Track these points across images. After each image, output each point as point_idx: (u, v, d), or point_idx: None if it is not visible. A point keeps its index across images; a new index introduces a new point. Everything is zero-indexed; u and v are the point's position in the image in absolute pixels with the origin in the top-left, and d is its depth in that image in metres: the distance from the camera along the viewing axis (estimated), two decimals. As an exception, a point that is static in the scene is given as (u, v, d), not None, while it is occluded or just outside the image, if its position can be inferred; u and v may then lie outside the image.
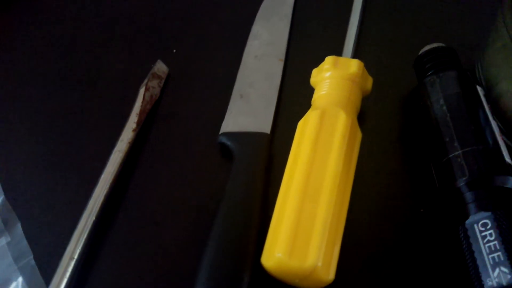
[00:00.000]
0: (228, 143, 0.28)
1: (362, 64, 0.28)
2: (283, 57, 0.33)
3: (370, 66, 0.28)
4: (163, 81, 0.32)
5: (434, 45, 0.29)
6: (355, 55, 0.30)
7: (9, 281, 0.25)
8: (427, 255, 0.25)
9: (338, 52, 0.30)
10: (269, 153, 0.28)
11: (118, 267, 0.25)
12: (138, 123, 0.29)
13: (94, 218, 0.25)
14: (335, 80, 0.27)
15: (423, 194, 0.27)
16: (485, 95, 0.27)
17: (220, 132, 0.29)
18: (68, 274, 0.24)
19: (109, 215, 0.27)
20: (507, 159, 0.24)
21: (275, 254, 0.22)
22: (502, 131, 0.26)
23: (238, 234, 0.24)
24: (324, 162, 0.24)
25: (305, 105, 0.28)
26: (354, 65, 0.27)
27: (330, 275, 0.22)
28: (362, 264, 0.25)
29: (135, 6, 0.37)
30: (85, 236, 0.25)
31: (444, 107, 0.26)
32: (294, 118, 0.27)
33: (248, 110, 0.30)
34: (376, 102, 0.30)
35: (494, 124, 0.25)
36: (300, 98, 0.29)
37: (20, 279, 0.25)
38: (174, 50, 0.34)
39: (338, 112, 0.25)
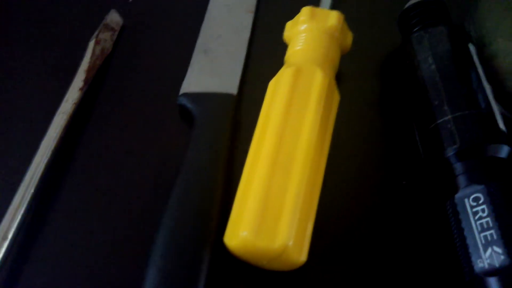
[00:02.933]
0: (189, 105, 0.26)
1: (342, 16, 0.26)
2: (253, 8, 0.31)
3: (348, 21, 0.27)
4: (116, 33, 0.30)
5: (422, -3, 0.27)
6: (334, 7, 0.28)
7: None
8: (410, 234, 0.24)
9: (315, 3, 0.28)
10: (236, 117, 0.26)
11: (61, 247, 0.23)
12: (86, 81, 0.27)
13: (32, 190, 0.23)
14: (311, 34, 0.25)
15: (406, 164, 0.25)
16: (477, 54, 0.25)
17: (180, 93, 0.27)
18: None
19: (51, 187, 0.25)
20: (501, 125, 0.23)
21: (240, 233, 0.20)
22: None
23: (198, 208, 0.22)
24: (297, 127, 0.22)
25: (277, 64, 0.26)
26: (333, 17, 0.25)
27: (302, 256, 0.20)
28: (337, 244, 0.23)
29: None
30: (21, 212, 0.22)
31: (433, 67, 0.24)
32: (264, 78, 0.25)
33: (212, 68, 0.28)
34: (355, 61, 0.28)
35: (487, 86, 0.24)
36: (272, 55, 0.27)
37: None
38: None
39: (315, 70, 0.23)
